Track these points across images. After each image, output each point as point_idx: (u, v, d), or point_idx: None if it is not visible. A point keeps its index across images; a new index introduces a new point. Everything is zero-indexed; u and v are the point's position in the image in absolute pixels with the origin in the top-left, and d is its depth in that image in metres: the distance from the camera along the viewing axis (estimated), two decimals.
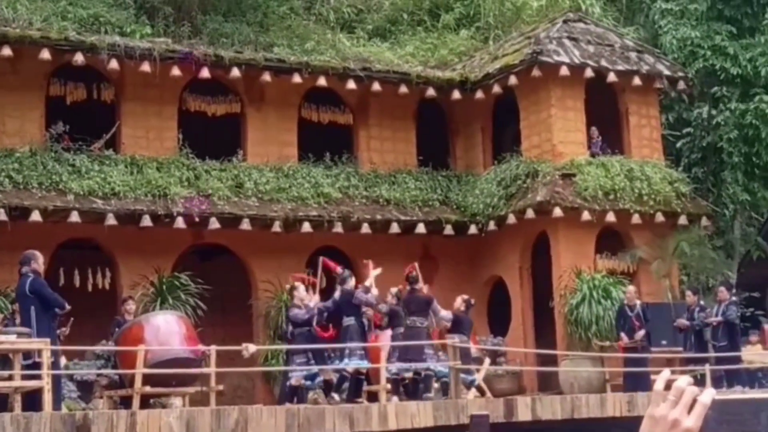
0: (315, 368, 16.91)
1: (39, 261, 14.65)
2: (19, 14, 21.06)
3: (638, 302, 20.43)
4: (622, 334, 20.09)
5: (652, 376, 19.59)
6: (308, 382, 17.14)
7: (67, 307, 14.60)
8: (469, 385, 17.74)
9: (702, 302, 21.23)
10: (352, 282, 17.24)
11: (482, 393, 18.42)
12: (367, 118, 24.18)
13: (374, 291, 17.11)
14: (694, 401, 1.99)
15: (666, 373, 2.10)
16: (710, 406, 1.98)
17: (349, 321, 16.75)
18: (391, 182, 23.51)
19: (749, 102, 24.49)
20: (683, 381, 2.02)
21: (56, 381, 14.52)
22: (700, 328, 20.62)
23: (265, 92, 22.85)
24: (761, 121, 24.40)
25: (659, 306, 21.56)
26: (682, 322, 20.63)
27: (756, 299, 24.78)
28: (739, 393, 17.94)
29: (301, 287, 17.57)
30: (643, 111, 24.28)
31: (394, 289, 17.71)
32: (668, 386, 2.04)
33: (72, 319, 15.77)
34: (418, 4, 28.11)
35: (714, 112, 25.73)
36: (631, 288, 20.84)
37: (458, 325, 18.01)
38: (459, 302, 18.49)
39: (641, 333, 20.00)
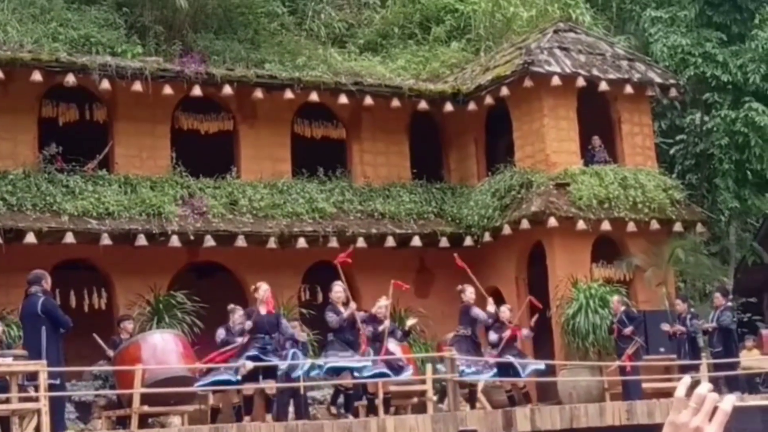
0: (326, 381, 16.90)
1: (44, 281, 14.62)
2: (9, 36, 21.07)
3: (621, 309, 20.39)
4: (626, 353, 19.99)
5: (644, 384, 19.63)
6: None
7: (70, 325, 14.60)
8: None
9: (693, 309, 21.26)
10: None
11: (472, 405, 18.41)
12: (360, 132, 24.20)
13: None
14: (715, 408, 2.00)
15: (687, 380, 2.11)
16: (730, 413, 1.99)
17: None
18: (386, 196, 23.52)
19: (740, 109, 24.52)
20: (704, 388, 2.02)
21: (58, 403, 14.46)
22: (694, 335, 20.62)
23: (257, 109, 22.87)
24: (751, 128, 24.42)
25: (656, 314, 21.57)
26: (674, 327, 20.59)
27: (753, 304, 24.80)
28: (738, 399, 17.93)
29: (338, 288, 17.16)
30: (636, 119, 24.32)
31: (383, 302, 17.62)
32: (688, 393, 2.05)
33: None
34: (409, 18, 28.16)
35: (706, 118, 25.77)
36: (615, 298, 20.80)
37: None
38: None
39: (633, 342, 19.92)
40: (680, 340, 20.72)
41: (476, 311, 17.97)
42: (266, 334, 15.66)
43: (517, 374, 18.19)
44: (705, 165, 26.37)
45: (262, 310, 15.92)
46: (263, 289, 16.08)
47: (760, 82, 24.78)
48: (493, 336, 18.66)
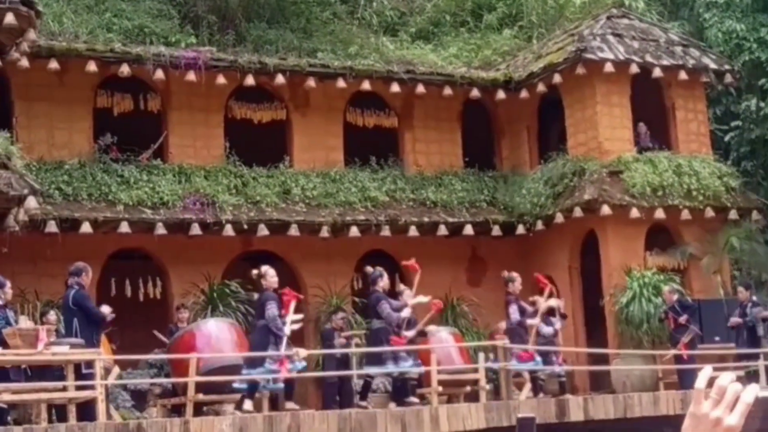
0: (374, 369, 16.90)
1: (85, 274, 14.89)
2: (65, 27, 21.29)
3: (674, 298, 20.18)
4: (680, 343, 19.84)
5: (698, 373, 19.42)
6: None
7: (110, 317, 14.79)
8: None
9: (755, 297, 21.03)
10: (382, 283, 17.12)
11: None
12: (412, 121, 24.19)
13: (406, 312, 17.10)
14: (737, 399, 1.98)
15: (708, 371, 2.09)
16: (753, 404, 1.97)
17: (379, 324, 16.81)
18: (438, 184, 23.50)
19: None
20: (725, 379, 2.01)
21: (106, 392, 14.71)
22: (753, 324, 20.42)
23: (309, 98, 22.94)
24: None
25: (711, 302, 21.41)
26: (735, 320, 20.44)
27: None
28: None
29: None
30: (690, 105, 24.10)
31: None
32: (710, 384, 2.04)
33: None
34: (461, 5, 28.07)
35: (762, 104, 25.46)
36: (666, 288, 20.63)
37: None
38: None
39: (688, 330, 19.75)
40: (739, 329, 20.54)
41: (512, 308, 17.95)
42: None
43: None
44: (761, 151, 26.08)
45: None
46: (271, 273, 16.04)
47: None
48: (546, 329, 18.60)
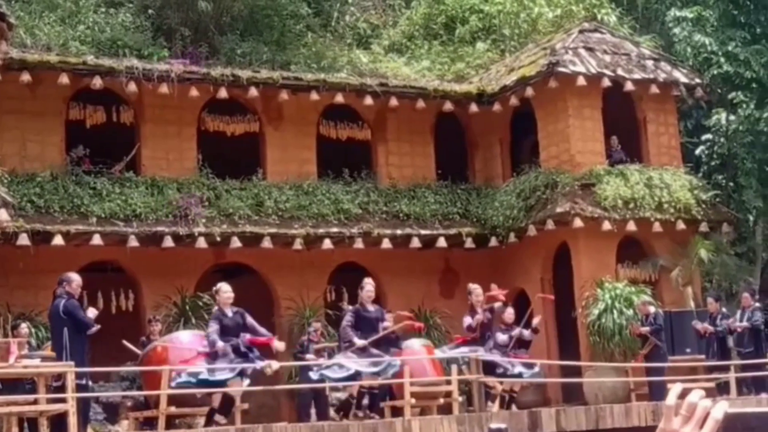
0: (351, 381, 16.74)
1: (73, 283, 14.80)
2: (37, 39, 21.26)
3: (651, 309, 20.25)
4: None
5: (669, 385, 19.53)
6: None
7: (95, 327, 14.71)
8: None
9: (724, 309, 21.16)
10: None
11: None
12: (385, 134, 24.25)
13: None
14: (707, 416, 2.00)
15: (678, 387, 2.10)
16: (723, 420, 1.98)
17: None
18: (411, 197, 23.55)
19: (764, 108, 24.40)
20: (695, 395, 2.02)
21: (84, 404, 14.62)
22: (723, 335, 20.54)
23: (283, 110, 22.96)
24: None
25: (682, 314, 21.51)
26: (705, 326, 20.51)
27: None
28: (754, 403, 17.88)
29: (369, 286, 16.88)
30: (661, 119, 24.28)
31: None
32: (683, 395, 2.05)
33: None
34: (434, 19, 28.20)
35: (732, 117, 25.64)
36: (638, 301, 20.73)
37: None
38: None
39: (647, 343, 19.84)
40: (709, 340, 20.65)
41: (465, 319, 17.94)
42: (235, 336, 15.03)
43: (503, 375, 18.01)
44: (731, 165, 26.26)
45: (228, 312, 14.98)
46: (225, 290, 15.10)
47: None
48: (501, 337, 18.50)
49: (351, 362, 15.88)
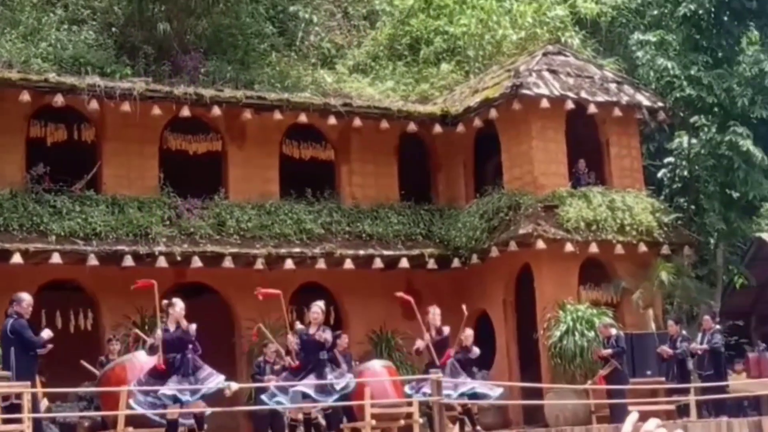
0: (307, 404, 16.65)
1: (23, 303, 14.76)
2: None
3: (613, 332, 20.26)
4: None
5: (630, 407, 19.56)
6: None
7: (47, 347, 14.61)
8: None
9: (684, 332, 21.24)
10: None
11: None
12: (349, 154, 24.21)
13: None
14: None
15: (634, 416, 2.09)
16: None
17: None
18: (374, 217, 23.50)
19: (725, 132, 24.58)
20: (651, 424, 2.01)
21: (37, 424, 14.46)
22: (683, 357, 20.60)
23: (246, 130, 22.86)
24: (735, 151, 24.44)
25: (643, 336, 21.55)
26: (665, 349, 20.61)
27: (740, 327, 24.77)
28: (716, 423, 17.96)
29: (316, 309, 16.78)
30: (624, 141, 24.38)
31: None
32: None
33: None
34: (398, 39, 28.23)
35: (694, 141, 25.81)
36: (599, 324, 20.76)
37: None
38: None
39: (607, 365, 19.84)
40: (669, 363, 20.70)
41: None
42: (176, 352, 14.86)
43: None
44: (692, 188, 26.40)
45: (171, 327, 14.97)
46: (179, 306, 15.08)
47: (747, 105, 24.83)
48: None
49: (299, 386, 15.81)
